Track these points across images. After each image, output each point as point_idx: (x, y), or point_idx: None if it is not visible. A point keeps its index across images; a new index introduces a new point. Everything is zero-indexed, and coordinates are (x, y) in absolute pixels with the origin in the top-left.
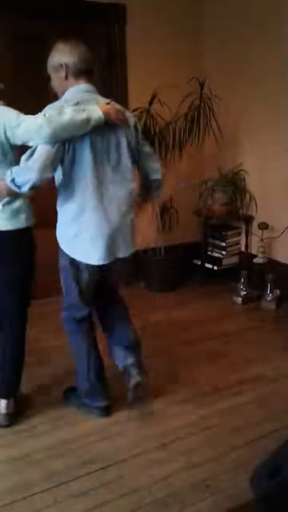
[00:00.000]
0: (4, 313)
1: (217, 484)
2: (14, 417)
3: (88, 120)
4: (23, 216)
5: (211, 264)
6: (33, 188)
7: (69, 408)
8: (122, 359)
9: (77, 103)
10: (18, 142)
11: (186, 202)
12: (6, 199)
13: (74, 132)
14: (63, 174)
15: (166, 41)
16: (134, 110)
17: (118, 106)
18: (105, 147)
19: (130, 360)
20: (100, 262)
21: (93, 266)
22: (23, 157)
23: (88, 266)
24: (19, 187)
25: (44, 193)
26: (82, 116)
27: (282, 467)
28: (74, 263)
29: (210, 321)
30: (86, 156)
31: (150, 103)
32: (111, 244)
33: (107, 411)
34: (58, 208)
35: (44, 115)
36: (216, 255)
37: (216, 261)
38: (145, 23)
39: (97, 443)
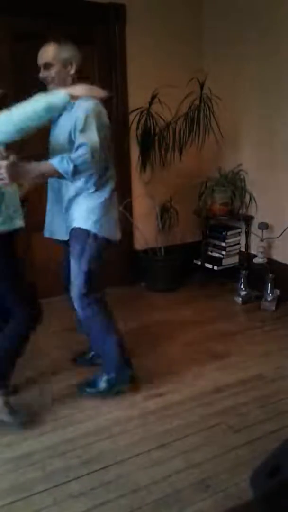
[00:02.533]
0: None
1: (217, 484)
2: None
3: (50, 107)
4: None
5: (211, 264)
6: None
7: (68, 409)
8: None
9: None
10: None
11: (186, 202)
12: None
13: (35, 122)
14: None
15: (166, 41)
16: (134, 110)
17: None
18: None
19: None
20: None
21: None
22: (92, 147)
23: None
24: (76, 174)
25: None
26: (40, 104)
27: (281, 466)
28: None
29: (210, 321)
30: None
31: (150, 103)
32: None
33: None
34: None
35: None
36: (216, 255)
37: (216, 261)
38: (145, 23)
39: (97, 443)
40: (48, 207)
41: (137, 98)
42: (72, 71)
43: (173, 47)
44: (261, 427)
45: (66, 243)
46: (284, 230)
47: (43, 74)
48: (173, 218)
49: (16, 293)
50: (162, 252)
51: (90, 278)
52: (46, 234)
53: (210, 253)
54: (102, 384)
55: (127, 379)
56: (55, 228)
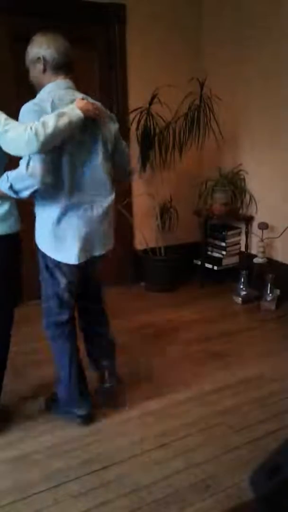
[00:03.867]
0: None
1: (217, 484)
2: None
3: (70, 123)
4: (12, 219)
5: (211, 264)
6: (34, 193)
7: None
8: (96, 362)
9: (52, 102)
10: (4, 151)
11: (186, 202)
12: None
13: (60, 139)
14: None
15: (166, 41)
16: (134, 110)
17: (94, 101)
18: (82, 145)
19: (105, 364)
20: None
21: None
22: (23, 163)
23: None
24: (17, 192)
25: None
26: (64, 121)
27: (282, 466)
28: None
29: (210, 321)
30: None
31: (150, 103)
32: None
33: (87, 420)
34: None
35: (31, 128)
36: (216, 255)
37: (216, 261)
38: (145, 23)
39: (97, 443)
40: None
41: (137, 98)
42: (41, 67)
43: (173, 47)
44: (261, 427)
45: None
46: (284, 230)
47: (30, 79)
48: (173, 218)
49: None
50: (162, 252)
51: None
52: None
53: (210, 253)
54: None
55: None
56: None
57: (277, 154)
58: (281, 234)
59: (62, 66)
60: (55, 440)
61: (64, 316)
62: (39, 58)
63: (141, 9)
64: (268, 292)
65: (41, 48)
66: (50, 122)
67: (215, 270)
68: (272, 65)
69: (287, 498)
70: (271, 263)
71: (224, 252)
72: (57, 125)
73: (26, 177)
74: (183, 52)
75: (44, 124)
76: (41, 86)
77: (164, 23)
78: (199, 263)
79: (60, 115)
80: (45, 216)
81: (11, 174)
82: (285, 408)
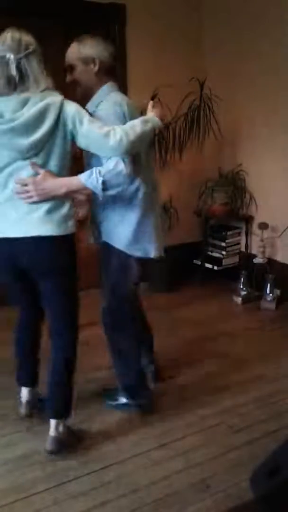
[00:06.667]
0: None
1: (217, 484)
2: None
3: (152, 129)
4: (71, 222)
5: (211, 264)
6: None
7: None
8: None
9: (126, 104)
10: (83, 146)
11: (186, 202)
12: (52, 203)
13: (144, 145)
14: None
15: (166, 41)
16: None
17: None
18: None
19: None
20: None
21: None
22: (118, 162)
23: None
24: (107, 189)
25: None
26: (149, 127)
27: (281, 467)
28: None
29: (210, 321)
30: None
31: None
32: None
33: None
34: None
35: (121, 130)
36: (216, 255)
37: (216, 261)
38: (145, 23)
39: (97, 444)
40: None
41: (137, 98)
42: (96, 69)
43: (173, 47)
44: (261, 427)
45: None
46: (284, 230)
47: (67, 78)
48: (173, 218)
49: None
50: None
51: None
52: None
53: (210, 253)
54: None
55: None
56: None
57: (277, 154)
58: (281, 234)
59: (113, 70)
60: None
61: None
62: (93, 59)
63: (141, 9)
64: (268, 292)
65: (96, 50)
66: (138, 127)
67: (215, 270)
68: (272, 64)
69: (287, 498)
70: (271, 263)
71: (224, 252)
72: (145, 131)
73: (122, 175)
74: (183, 52)
75: (133, 128)
76: (87, 86)
77: (164, 23)
78: (199, 263)
79: (145, 122)
80: (127, 216)
81: (103, 171)
82: (285, 408)
